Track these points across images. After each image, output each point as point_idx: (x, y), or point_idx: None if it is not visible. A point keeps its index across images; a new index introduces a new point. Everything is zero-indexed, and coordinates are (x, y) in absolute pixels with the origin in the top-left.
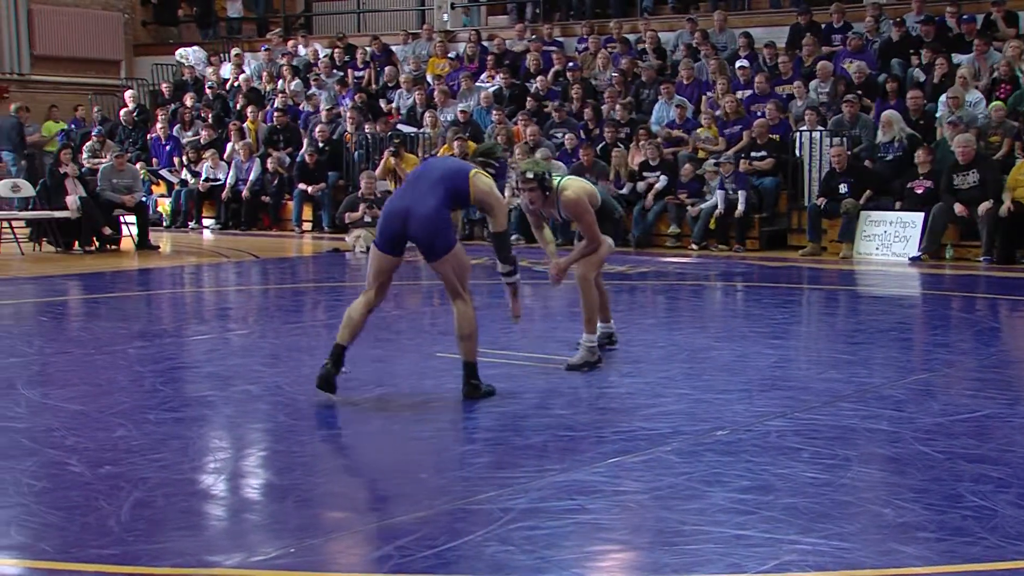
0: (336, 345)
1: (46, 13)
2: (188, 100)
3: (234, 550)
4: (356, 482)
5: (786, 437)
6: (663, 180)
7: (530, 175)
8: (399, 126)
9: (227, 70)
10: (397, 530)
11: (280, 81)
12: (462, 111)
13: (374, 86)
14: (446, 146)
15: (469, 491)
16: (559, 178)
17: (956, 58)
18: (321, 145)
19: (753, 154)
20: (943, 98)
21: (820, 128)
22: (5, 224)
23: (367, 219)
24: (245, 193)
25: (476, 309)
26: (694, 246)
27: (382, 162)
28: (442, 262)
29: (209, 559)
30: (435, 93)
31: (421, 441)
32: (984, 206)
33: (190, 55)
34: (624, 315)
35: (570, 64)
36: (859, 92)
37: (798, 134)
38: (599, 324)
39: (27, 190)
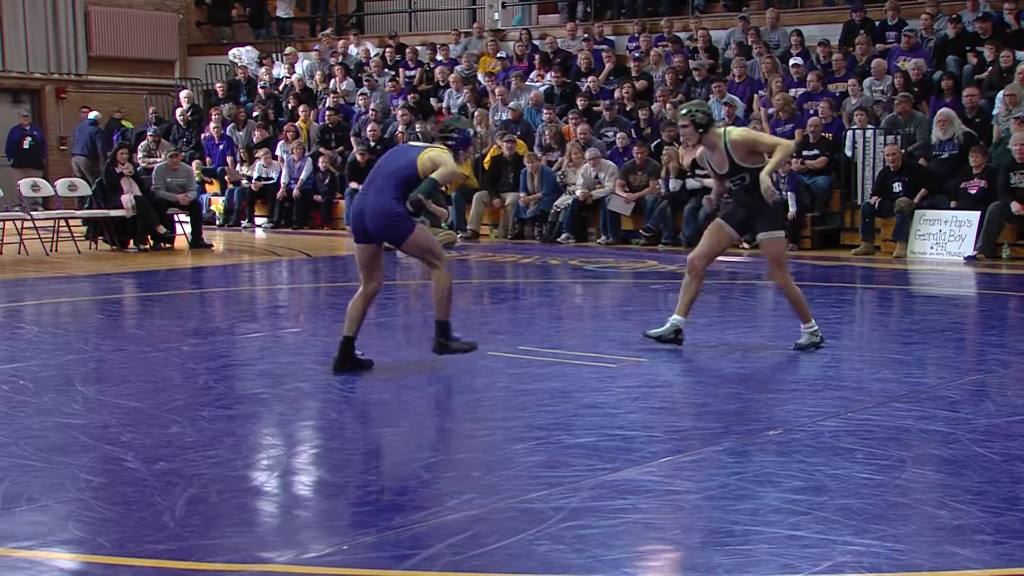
0: (343, 338)
1: (102, 14)
2: (241, 99)
3: (286, 547)
4: (408, 480)
5: (840, 437)
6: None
7: (683, 111)
8: (447, 121)
9: (279, 70)
10: (449, 528)
11: (332, 80)
12: (512, 110)
13: (425, 85)
14: (495, 147)
15: (520, 490)
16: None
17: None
18: (372, 144)
19: (805, 153)
20: (1000, 95)
21: (873, 126)
22: (63, 223)
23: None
24: (296, 192)
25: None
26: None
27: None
28: (406, 246)
29: (262, 555)
30: (488, 92)
31: (473, 439)
32: None
33: (243, 55)
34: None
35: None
36: (916, 89)
37: (851, 132)
38: (675, 317)
39: (83, 189)
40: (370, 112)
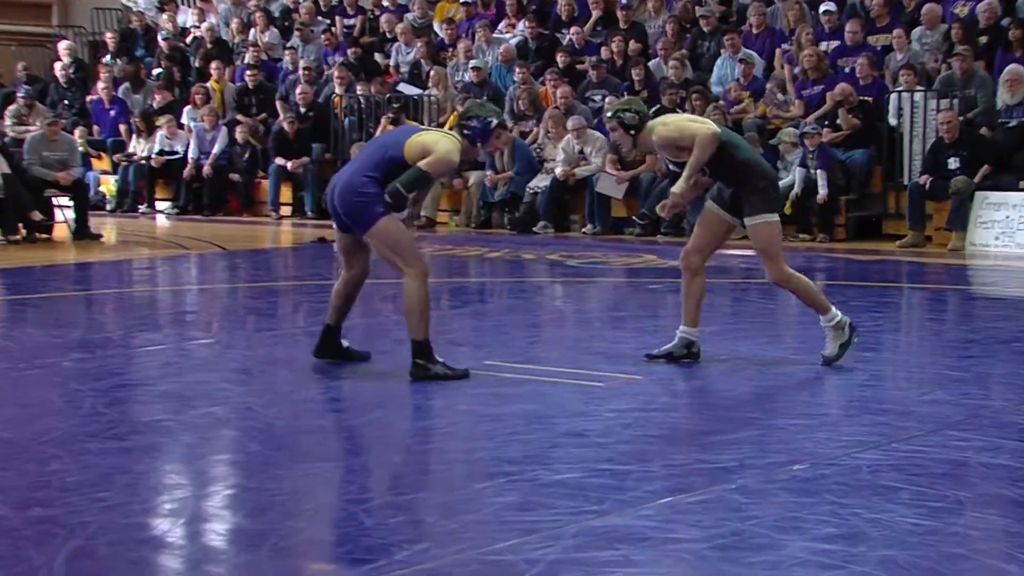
0: (324, 325)
1: None
2: (137, 54)
3: None
4: (346, 526)
5: (881, 473)
6: None
7: (608, 114)
8: (399, 87)
9: (186, 16)
10: None
11: (252, 31)
12: (475, 68)
13: (368, 37)
14: (455, 114)
15: (487, 538)
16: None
17: None
18: (303, 111)
19: (838, 121)
20: None
21: (923, 88)
22: None
23: None
24: (208, 170)
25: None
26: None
27: (378, 131)
28: (371, 236)
29: None
30: (447, 45)
31: (428, 475)
32: None
33: None
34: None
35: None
36: (981, 40)
37: (896, 96)
38: (682, 329)
39: None
40: (300, 71)
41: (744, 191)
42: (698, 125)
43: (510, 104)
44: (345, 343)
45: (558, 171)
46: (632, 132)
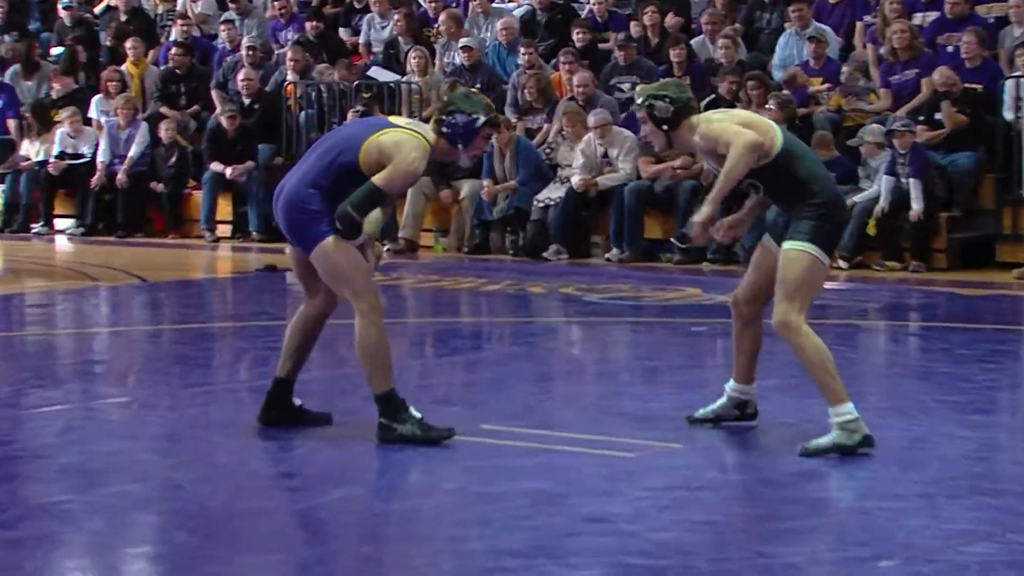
0: (274, 379)
1: None
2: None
3: None
4: None
5: (996, 572)
6: None
7: (638, 100)
8: (371, 72)
9: None
10: None
11: (180, 0)
12: (467, 48)
13: (331, 8)
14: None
15: None
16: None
17: None
18: (246, 102)
19: (938, 116)
20: None
21: None
22: None
23: None
24: (123, 178)
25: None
26: (843, 262)
27: None
28: (314, 258)
29: None
30: (432, 19)
31: (406, 570)
32: None
33: None
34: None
35: None
36: None
37: (1012, 83)
38: (732, 386)
39: None
40: (242, 51)
41: (794, 214)
42: (738, 130)
43: (513, 94)
44: (298, 402)
45: (575, 180)
46: (665, 127)
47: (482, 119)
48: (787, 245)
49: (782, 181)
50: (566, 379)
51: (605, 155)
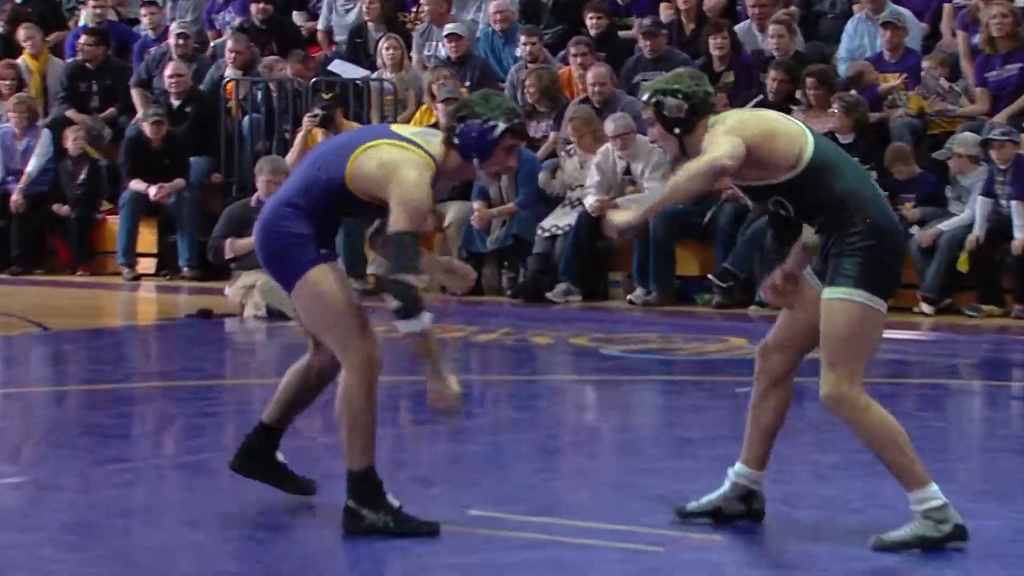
0: (258, 423)
1: None
2: None
3: None
4: None
5: None
6: None
7: (645, 96)
8: (333, 67)
9: None
10: None
11: None
12: (453, 36)
13: None
14: (426, 107)
15: None
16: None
17: None
18: (175, 104)
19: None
20: None
21: None
22: None
23: None
24: (18, 199)
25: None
26: (925, 305)
27: (298, 139)
28: (295, 296)
29: None
30: (409, 2)
31: None
32: None
33: None
34: (789, 447)
35: None
36: None
37: None
38: (738, 469)
39: None
40: (170, 40)
41: (833, 246)
42: (721, 141)
43: (511, 95)
44: (281, 458)
45: (589, 202)
46: (677, 130)
47: (501, 126)
48: (827, 293)
49: (813, 199)
50: (577, 453)
51: (627, 171)
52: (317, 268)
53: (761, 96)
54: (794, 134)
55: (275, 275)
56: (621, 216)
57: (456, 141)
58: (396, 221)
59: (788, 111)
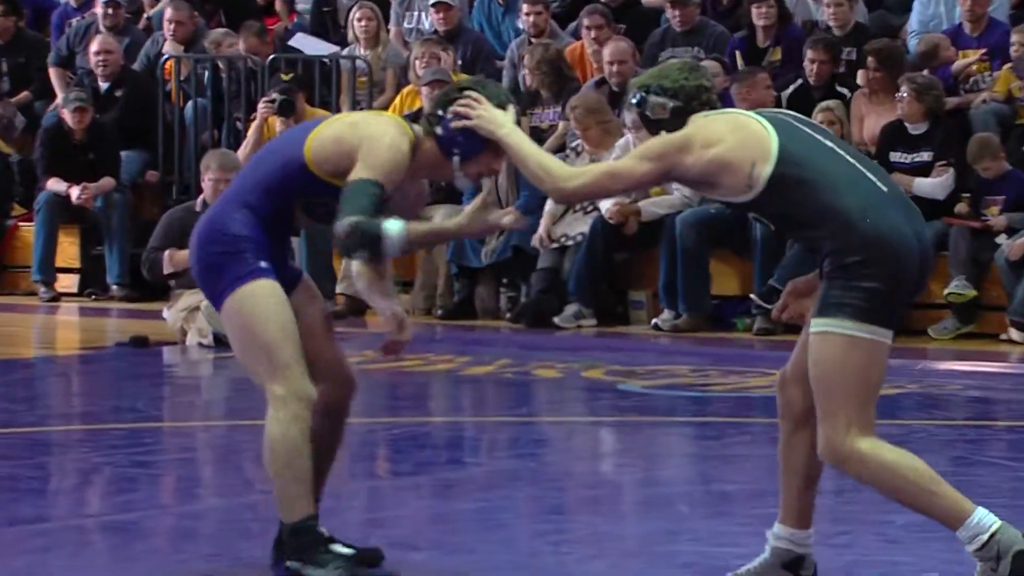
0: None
1: None
2: None
3: None
4: None
5: None
6: (938, 181)
7: (629, 94)
8: (294, 42)
9: None
10: None
11: None
12: (440, 5)
13: None
14: (409, 90)
15: None
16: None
17: None
18: (103, 87)
19: None
20: None
21: None
22: None
23: None
24: None
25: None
26: (1015, 332)
27: (253, 129)
28: (223, 314)
29: None
30: None
31: None
32: None
33: None
34: (848, 502)
35: None
36: None
37: None
38: (778, 530)
39: None
40: (97, 10)
41: (825, 266)
42: (634, 162)
43: (511, 75)
44: (325, 532)
45: (606, 207)
46: (662, 134)
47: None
48: (814, 327)
49: (785, 218)
50: (592, 512)
51: None
52: (253, 283)
53: (800, 81)
54: (746, 149)
55: (206, 290)
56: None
57: (439, 132)
58: (359, 171)
59: (840, 97)
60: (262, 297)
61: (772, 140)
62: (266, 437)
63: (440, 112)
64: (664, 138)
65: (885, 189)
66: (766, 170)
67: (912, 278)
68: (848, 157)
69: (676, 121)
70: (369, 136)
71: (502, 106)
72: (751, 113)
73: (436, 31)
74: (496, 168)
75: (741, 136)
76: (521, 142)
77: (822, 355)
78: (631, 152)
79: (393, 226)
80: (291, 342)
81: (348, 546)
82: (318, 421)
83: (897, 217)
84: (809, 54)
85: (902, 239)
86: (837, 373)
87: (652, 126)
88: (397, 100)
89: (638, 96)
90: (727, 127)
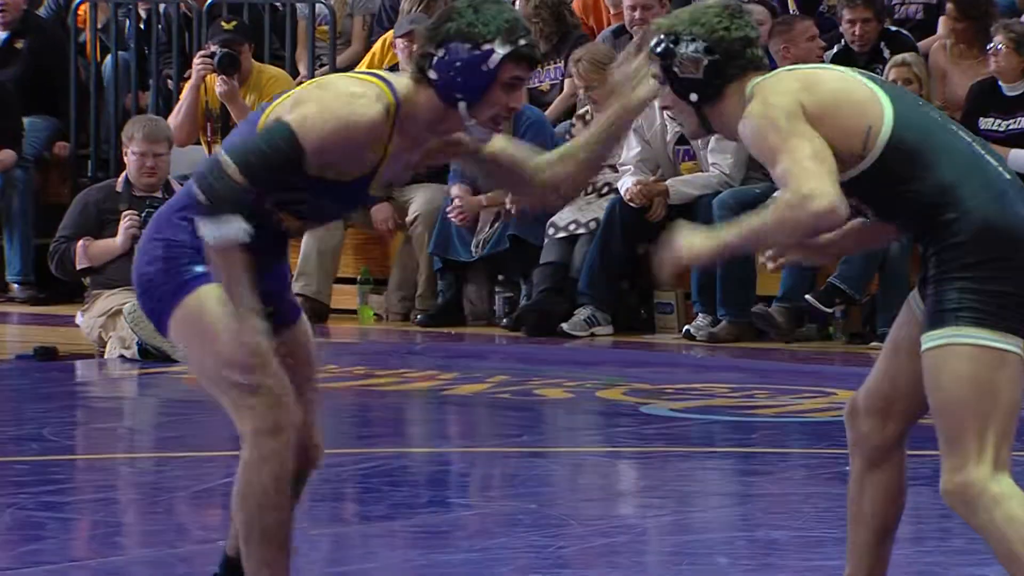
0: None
1: None
2: None
3: None
4: None
5: None
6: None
7: (653, 41)
8: None
9: None
10: None
11: None
12: None
13: None
14: (384, 40)
15: None
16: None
17: None
18: (1, 37)
19: None
20: None
21: None
22: None
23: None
24: None
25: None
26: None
27: (187, 89)
28: (174, 331)
29: None
30: None
31: None
32: None
33: None
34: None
35: None
36: None
37: None
38: None
39: None
40: None
41: (932, 267)
42: (807, 164)
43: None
44: None
45: (626, 186)
46: (693, 96)
47: (499, 51)
48: (925, 342)
49: (893, 198)
50: (608, 563)
51: (681, 139)
52: (205, 288)
53: (842, 43)
54: (862, 105)
55: (145, 306)
56: (694, 240)
57: (433, 76)
58: (294, 116)
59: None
60: (210, 305)
61: (882, 98)
62: (236, 479)
63: (431, 50)
64: (783, 106)
65: (1008, 176)
66: (884, 132)
67: None
68: (963, 134)
69: (710, 83)
70: (325, 96)
71: (499, 28)
72: (842, 69)
73: None
74: (515, 106)
75: (854, 89)
76: (744, 228)
77: (944, 372)
78: (793, 147)
79: (234, 225)
80: (258, 361)
81: None
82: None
83: (1020, 205)
84: (846, 14)
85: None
86: (966, 391)
87: (679, 86)
88: (369, 57)
89: (665, 46)
90: (843, 86)
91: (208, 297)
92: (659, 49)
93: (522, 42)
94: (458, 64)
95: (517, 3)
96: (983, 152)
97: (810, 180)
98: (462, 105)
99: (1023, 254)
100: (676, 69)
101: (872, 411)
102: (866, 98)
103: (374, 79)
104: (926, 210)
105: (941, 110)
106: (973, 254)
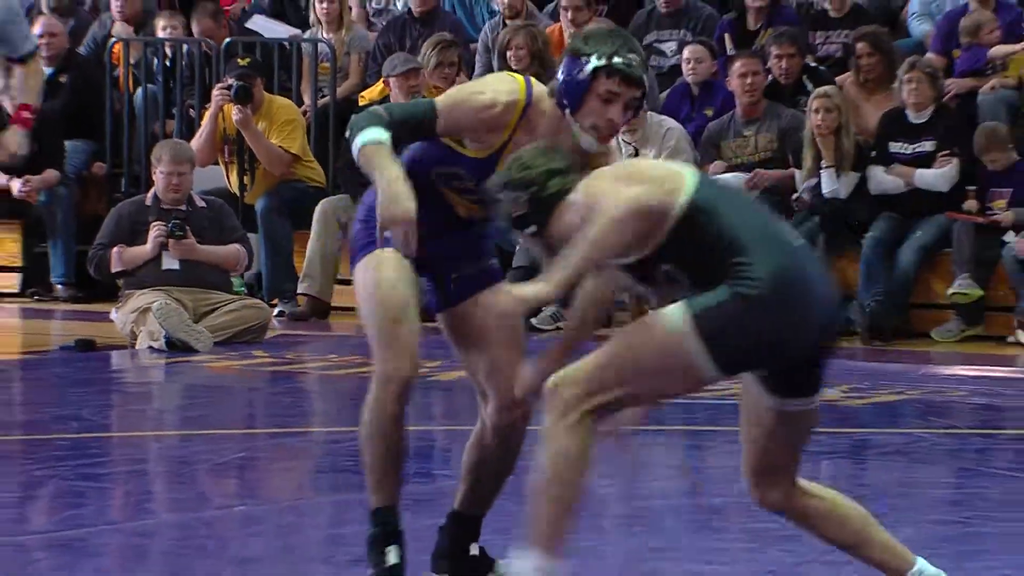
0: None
1: None
2: None
3: None
4: None
5: None
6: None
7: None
8: (252, 24)
9: None
10: None
11: None
12: None
13: None
14: (387, 81)
15: None
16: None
17: None
18: (48, 72)
19: None
20: None
21: None
22: None
23: (174, 265)
24: None
25: None
26: (1023, 334)
27: (207, 118)
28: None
29: None
30: None
31: None
32: None
33: None
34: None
35: None
36: None
37: None
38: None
39: None
40: None
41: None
42: (617, 190)
43: (485, 60)
44: (475, 551)
45: None
46: (531, 230)
47: (592, 63)
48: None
49: (697, 252)
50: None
51: (636, 156)
52: (362, 259)
53: (769, 77)
54: (666, 175)
55: (350, 251)
56: (532, 291)
57: (554, 84)
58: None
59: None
60: (371, 266)
61: (685, 171)
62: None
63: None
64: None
65: (800, 242)
66: (687, 192)
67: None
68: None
69: (536, 213)
70: (462, 89)
71: (597, 45)
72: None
73: (410, 10)
74: (613, 119)
75: (669, 170)
76: (579, 258)
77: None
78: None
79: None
80: (386, 313)
81: (402, 554)
82: (491, 441)
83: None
84: (774, 50)
85: (799, 287)
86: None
87: (517, 225)
88: (374, 90)
89: (496, 197)
90: (649, 165)
91: (373, 259)
92: (514, 182)
93: (616, 59)
94: (564, 74)
95: (512, 41)
96: (776, 222)
97: (621, 191)
98: (567, 111)
99: (801, 307)
100: (511, 214)
101: (762, 479)
102: (672, 170)
103: (518, 77)
104: (722, 255)
105: (857, 136)
106: (759, 288)
